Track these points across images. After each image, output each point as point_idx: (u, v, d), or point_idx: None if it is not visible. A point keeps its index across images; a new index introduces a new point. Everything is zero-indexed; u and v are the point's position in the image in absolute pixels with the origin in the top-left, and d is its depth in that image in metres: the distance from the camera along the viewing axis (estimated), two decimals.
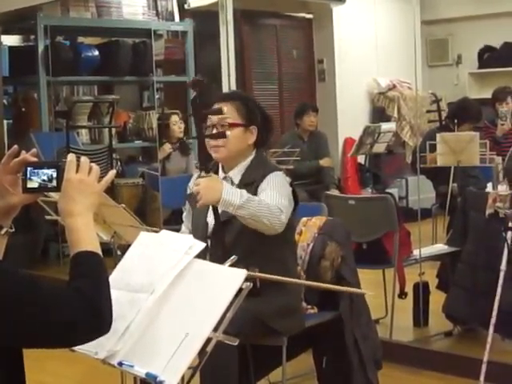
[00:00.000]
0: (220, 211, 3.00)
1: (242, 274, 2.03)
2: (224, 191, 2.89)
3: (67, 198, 1.81)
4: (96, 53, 7.52)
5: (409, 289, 4.79)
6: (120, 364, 1.99)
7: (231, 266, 2.14)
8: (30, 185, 1.85)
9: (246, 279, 2.03)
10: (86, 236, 1.78)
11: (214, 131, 3.13)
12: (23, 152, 1.91)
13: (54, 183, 1.84)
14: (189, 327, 1.96)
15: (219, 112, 3.07)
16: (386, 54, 7.95)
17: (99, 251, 1.78)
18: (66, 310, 1.66)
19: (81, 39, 7.85)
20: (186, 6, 7.24)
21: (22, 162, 1.88)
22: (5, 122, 7.04)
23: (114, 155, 7.26)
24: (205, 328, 1.96)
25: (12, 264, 1.69)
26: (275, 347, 3.17)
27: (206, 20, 6.53)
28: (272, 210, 2.93)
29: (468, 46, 8.05)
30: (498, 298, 3.65)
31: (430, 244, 5.33)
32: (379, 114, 8.04)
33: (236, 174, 3.18)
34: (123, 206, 3.32)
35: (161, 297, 2.05)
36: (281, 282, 3.06)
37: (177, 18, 7.71)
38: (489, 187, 5.35)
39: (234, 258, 2.17)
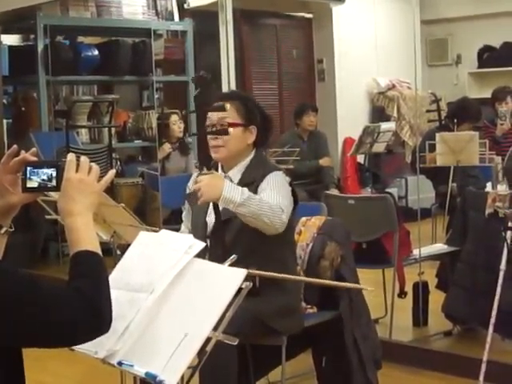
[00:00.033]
0: (221, 209, 3.00)
1: (241, 273, 2.03)
2: (225, 188, 2.89)
3: (67, 198, 1.81)
4: (96, 52, 7.52)
5: (408, 288, 4.79)
6: (120, 363, 1.99)
7: (231, 265, 2.14)
8: (29, 184, 1.85)
9: (246, 278, 2.03)
10: (85, 235, 1.78)
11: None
12: (23, 151, 1.91)
13: (54, 183, 1.84)
14: (188, 327, 1.96)
15: (222, 108, 3.08)
16: (385, 54, 7.95)
17: (99, 251, 1.78)
18: (66, 309, 1.66)
19: (80, 39, 7.85)
20: (185, 6, 7.24)
21: (22, 162, 1.88)
22: (4, 121, 7.03)
23: (113, 155, 7.26)
24: (204, 327, 1.96)
25: (12, 263, 1.69)
26: (274, 347, 3.17)
27: (206, 20, 6.53)
28: (273, 209, 2.92)
29: (468, 45, 8.04)
30: (497, 297, 3.65)
31: (429, 244, 5.33)
32: (379, 113, 8.04)
33: (235, 173, 3.18)
34: (123, 205, 3.32)
35: (160, 296, 2.05)
36: (280, 282, 3.06)
37: (176, 17, 7.71)
38: (488, 187, 5.34)
39: (233, 257, 2.17)
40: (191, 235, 2.40)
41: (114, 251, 3.54)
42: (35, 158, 1.90)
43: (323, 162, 6.86)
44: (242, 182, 3.11)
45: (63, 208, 1.81)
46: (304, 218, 3.52)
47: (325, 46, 7.98)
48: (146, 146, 7.66)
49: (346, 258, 3.45)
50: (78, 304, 1.66)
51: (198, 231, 3.12)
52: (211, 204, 3.08)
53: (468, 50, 8.04)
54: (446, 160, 5.65)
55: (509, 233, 3.68)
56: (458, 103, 6.32)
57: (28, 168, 1.85)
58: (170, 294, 2.06)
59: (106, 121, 7.48)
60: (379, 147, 6.94)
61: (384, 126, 7.12)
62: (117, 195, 6.61)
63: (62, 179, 1.82)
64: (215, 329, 2.00)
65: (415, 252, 4.74)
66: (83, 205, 1.80)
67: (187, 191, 3.34)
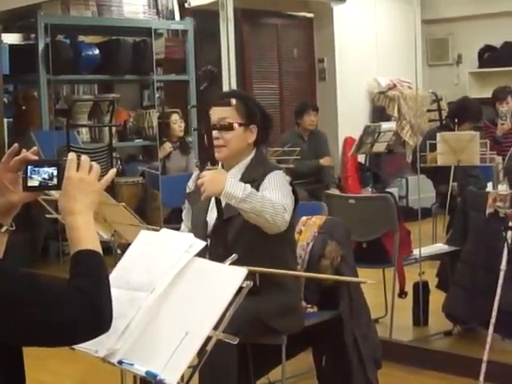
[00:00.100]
0: (223, 207, 3.00)
1: (242, 272, 2.03)
2: (227, 183, 2.89)
3: (68, 197, 1.81)
4: (96, 51, 7.52)
5: (409, 288, 4.79)
6: (120, 362, 1.99)
7: (231, 264, 2.14)
8: (30, 183, 1.85)
9: (247, 277, 2.03)
10: (86, 234, 1.78)
11: (214, 132, 3.12)
12: (24, 150, 1.91)
13: (55, 181, 1.85)
14: (189, 326, 1.96)
15: (228, 104, 3.09)
16: (386, 54, 7.96)
17: (99, 250, 1.78)
18: (66, 309, 1.66)
19: (81, 38, 7.84)
20: (186, 5, 7.24)
21: (23, 161, 1.88)
22: (5, 120, 7.03)
23: (114, 154, 7.27)
24: (205, 327, 1.96)
25: (12, 262, 1.69)
26: (275, 346, 3.17)
27: (207, 19, 6.53)
28: (276, 208, 2.92)
29: (468, 45, 8.05)
30: (497, 297, 3.65)
31: (429, 243, 5.33)
32: (379, 113, 8.04)
33: (236, 172, 3.18)
34: (123, 204, 3.32)
35: (161, 295, 2.05)
36: (281, 282, 3.07)
37: (177, 16, 7.71)
38: (489, 187, 5.36)
39: (234, 256, 2.17)
40: (192, 234, 2.39)
41: (114, 250, 3.54)
42: (36, 157, 1.90)
43: (324, 161, 6.85)
44: (243, 181, 3.11)
45: (64, 207, 1.81)
46: (304, 218, 3.52)
47: (325, 46, 7.99)
48: (147, 145, 7.66)
49: (346, 257, 3.45)
50: (79, 303, 1.66)
51: (199, 230, 3.12)
52: (213, 202, 3.08)
53: (469, 49, 8.04)
54: (447, 160, 5.65)
55: (509, 233, 3.68)
56: (458, 103, 6.32)
57: (29, 167, 1.85)
58: (170, 292, 2.06)
59: (107, 120, 7.48)
60: (380, 147, 6.94)
61: (385, 125, 7.12)
62: (117, 194, 6.62)
63: (62, 178, 1.82)
64: (215, 328, 2.00)
65: (415, 252, 4.74)
66: (84, 204, 1.80)
67: (187, 190, 3.35)
